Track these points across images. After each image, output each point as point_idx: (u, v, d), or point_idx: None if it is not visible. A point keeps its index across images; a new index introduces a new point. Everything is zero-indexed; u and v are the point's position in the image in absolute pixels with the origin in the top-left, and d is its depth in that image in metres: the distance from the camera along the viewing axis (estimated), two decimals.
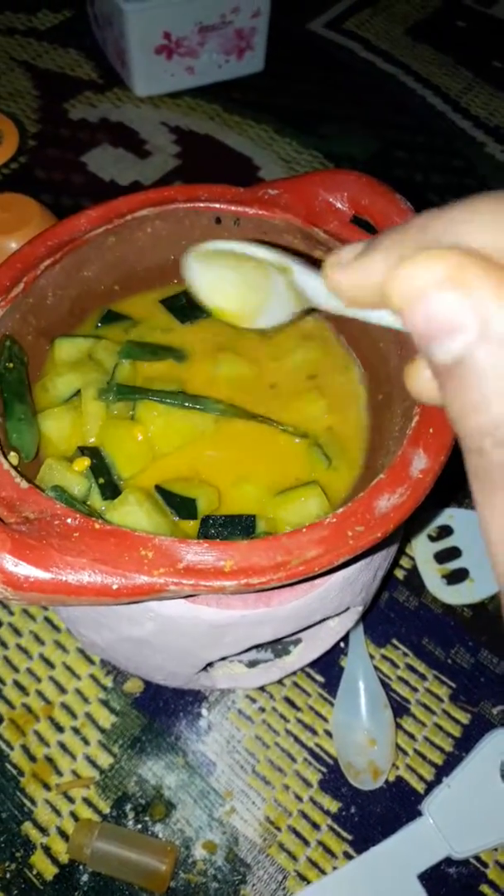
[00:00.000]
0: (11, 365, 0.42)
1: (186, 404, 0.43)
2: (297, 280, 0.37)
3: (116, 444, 0.42)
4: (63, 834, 0.49)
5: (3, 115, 0.91)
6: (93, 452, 0.42)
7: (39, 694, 0.54)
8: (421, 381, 0.25)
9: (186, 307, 0.50)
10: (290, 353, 0.49)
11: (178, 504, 0.41)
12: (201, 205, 0.47)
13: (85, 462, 0.41)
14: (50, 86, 0.98)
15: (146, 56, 0.91)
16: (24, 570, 0.31)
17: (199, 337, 0.49)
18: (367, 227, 0.45)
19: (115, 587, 0.32)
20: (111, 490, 0.41)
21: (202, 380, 0.47)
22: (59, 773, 0.51)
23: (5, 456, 0.36)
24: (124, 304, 0.51)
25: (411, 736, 0.54)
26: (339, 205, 0.46)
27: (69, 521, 0.33)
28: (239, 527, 0.40)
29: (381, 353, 0.45)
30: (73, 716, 0.53)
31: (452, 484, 0.65)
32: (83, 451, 0.42)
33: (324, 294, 0.32)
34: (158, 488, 0.41)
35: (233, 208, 0.47)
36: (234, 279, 0.40)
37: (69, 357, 0.46)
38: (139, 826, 0.50)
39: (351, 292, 0.24)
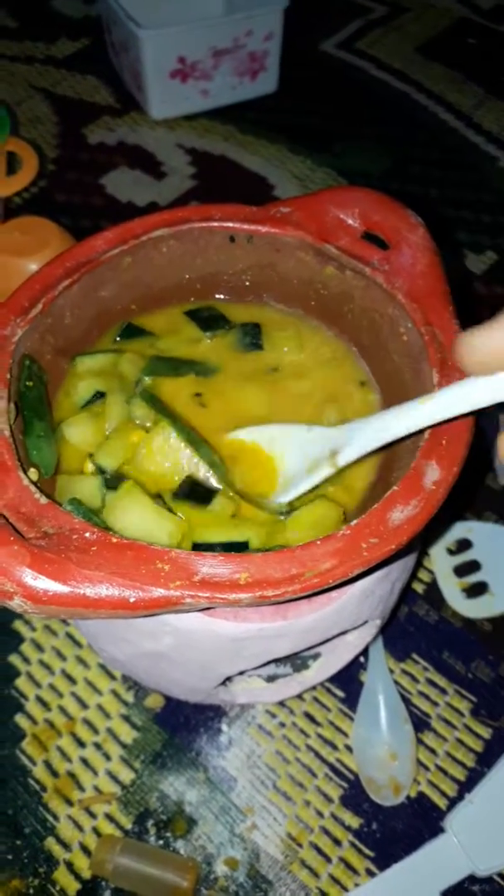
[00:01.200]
0: (31, 384, 0.43)
1: (191, 443, 0.43)
2: (350, 435, 0.40)
3: (116, 437, 0.43)
4: (85, 849, 0.49)
5: (22, 140, 0.93)
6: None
7: (61, 709, 0.54)
8: None
9: (211, 318, 0.51)
10: (311, 372, 0.49)
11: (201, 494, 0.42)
12: (215, 224, 0.48)
13: (91, 467, 0.42)
14: (69, 112, 1.01)
15: (161, 80, 0.93)
16: (43, 583, 0.32)
17: (224, 349, 0.50)
18: (378, 243, 0.46)
19: (132, 600, 0.32)
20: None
21: (223, 397, 0.47)
22: (82, 789, 0.52)
23: (25, 472, 0.37)
24: (146, 318, 0.52)
25: (432, 751, 0.53)
26: (350, 221, 0.46)
27: (87, 535, 0.34)
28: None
29: (394, 365, 0.45)
30: (95, 731, 0.54)
31: (471, 497, 0.65)
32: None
33: (389, 425, 0.37)
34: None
35: (245, 227, 0.48)
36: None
37: (91, 370, 0.47)
38: (161, 842, 0.50)
39: (489, 354, 0.29)
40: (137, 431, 0.44)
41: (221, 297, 0.53)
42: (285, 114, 1.01)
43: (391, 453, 0.43)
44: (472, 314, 0.76)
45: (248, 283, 0.52)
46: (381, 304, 0.45)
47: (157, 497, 0.42)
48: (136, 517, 0.39)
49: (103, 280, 0.47)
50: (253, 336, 0.50)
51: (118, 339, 0.50)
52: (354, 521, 0.35)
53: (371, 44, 1.13)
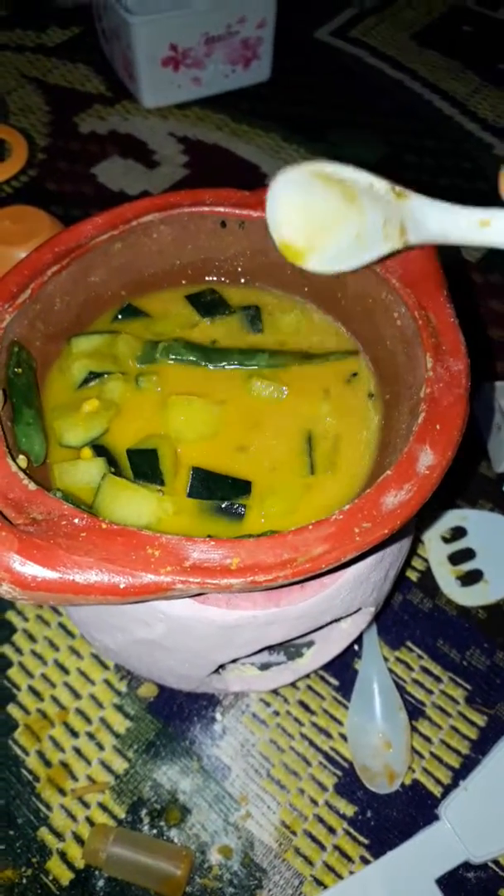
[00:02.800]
0: (20, 370, 0.42)
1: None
2: (415, 210, 0.36)
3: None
4: (79, 839, 0.49)
5: (12, 128, 0.93)
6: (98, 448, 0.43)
7: (54, 699, 0.54)
8: None
9: (212, 303, 0.50)
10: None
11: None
12: (206, 209, 0.47)
13: (90, 452, 0.42)
14: (60, 100, 1.00)
15: (153, 68, 0.92)
16: (31, 569, 0.31)
17: (222, 333, 0.50)
18: None
19: (122, 586, 0.32)
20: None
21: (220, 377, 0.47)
22: (75, 779, 0.51)
23: (14, 459, 0.37)
24: (145, 299, 0.51)
25: (427, 739, 0.53)
26: None
27: (76, 521, 0.34)
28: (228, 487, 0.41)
29: (388, 350, 0.45)
30: (88, 721, 0.53)
31: (465, 484, 0.65)
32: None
33: (457, 221, 0.33)
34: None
35: (237, 212, 0.47)
36: (316, 211, 0.39)
37: (85, 351, 0.47)
38: (154, 831, 0.50)
39: None
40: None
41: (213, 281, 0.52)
42: (279, 102, 1.01)
43: (385, 438, 0.43)
44: (467, 302, 0.76)
45: (240, 270, 0.51)
46: (374, 289, 0.45)
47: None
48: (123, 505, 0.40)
49: (93, 266, 0.47)
50: (253, 319, 0.50)
51: (119, 316, 0.50)
52: (347, 506, 0.34)
53: (365, 31, 1.12)
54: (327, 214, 0.39)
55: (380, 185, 0.37)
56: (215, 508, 0.41)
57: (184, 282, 0.51)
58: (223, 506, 0.41)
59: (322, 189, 0.38)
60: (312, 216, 0.39)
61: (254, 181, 0.90)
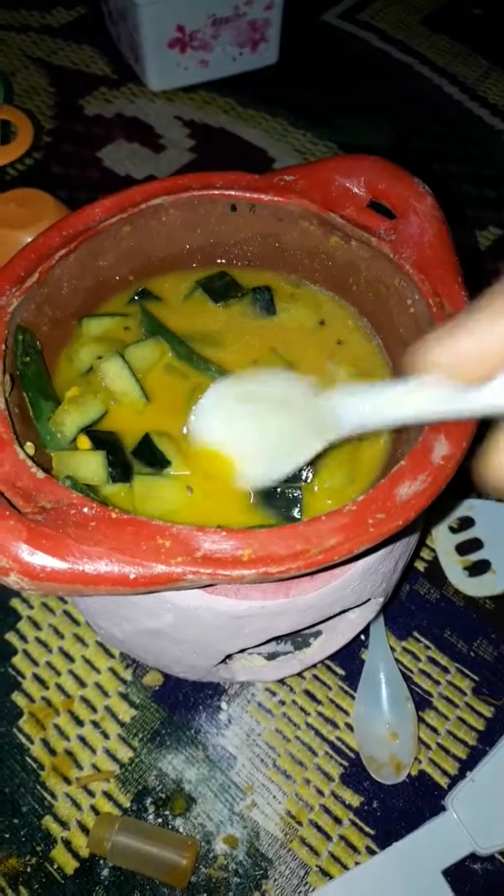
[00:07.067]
0: (28, 358, 0.42)
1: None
2: (339, 406, 0.35)
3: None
4: (83, 828, 0.49)
5: (18, 110, 0.91)
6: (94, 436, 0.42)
7: (59, 688, 0.54)
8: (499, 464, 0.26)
9: (222, 288, 0.49)
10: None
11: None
12: (216, 192, 0.46)
13: (87, 442, 0.41)
14: (65, 82, 0.98)
15: (160, 50, 0.91)
16: (40, 559, 0.31)
17: (235, 317, 0.49)
18: (384, 212, 0.44)
19: (132, 576, 0.32)
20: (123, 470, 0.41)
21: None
22: (79, 767, 0.51)
23: (22, 446, 0.36)
24: (153, 284, 0.50)
25: (434, 729, 0.53)
26: (355, 189, 0.45)
27: (85, 510, 0.33)
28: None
29: (402, 339, 0.44)
30: (93, 709, 0.53)
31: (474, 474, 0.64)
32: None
33: (385, 401, 0.32)
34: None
35: (248, 195, 0.46)
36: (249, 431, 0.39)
37: (94, 336, 0.46)
38: (159, 820, 0.49)
39: (461, 358, 0.25)
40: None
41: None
42: (286, 86, 0.99)
43: (399, 430, 0.42)
44: (481, 289, 0.75)
45: (250, 254, 0.50)
46: (387, 276, 0.44)
47: None
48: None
49: (102, 249, 0.46)
50: (264, 301, 0.49)
51: (136, 298, 0.49)
52: (361, 497, 0.34)
53: (374, 14, 1.10)
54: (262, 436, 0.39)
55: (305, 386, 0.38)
56: (269, 496, 0.41)
57: (194, 265, 0.51)
58: (277, 491, 0.40)
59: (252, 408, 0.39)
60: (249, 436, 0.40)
61: (261, 165, 0.89)
